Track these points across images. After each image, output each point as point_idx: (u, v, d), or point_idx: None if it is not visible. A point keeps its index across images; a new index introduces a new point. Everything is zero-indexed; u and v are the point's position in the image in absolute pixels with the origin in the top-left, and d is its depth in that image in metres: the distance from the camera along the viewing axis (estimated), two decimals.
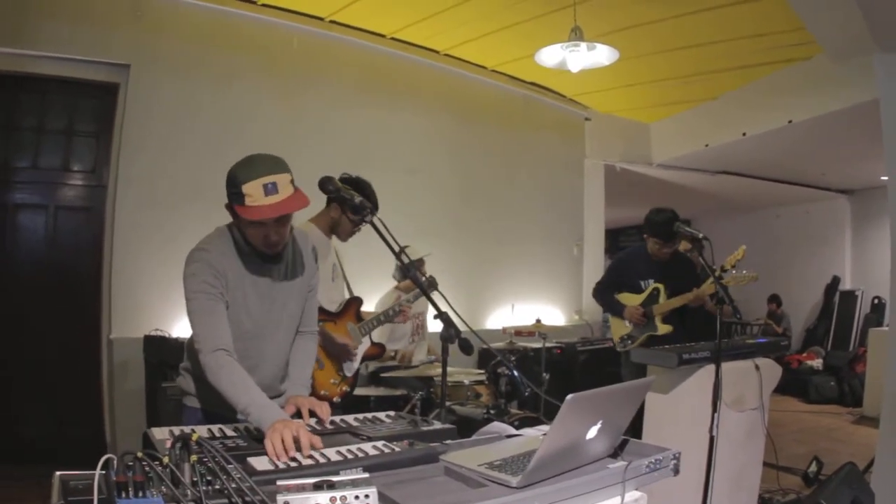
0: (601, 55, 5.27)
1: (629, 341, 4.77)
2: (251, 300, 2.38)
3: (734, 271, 4.00)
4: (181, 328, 5.11)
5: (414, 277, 2.34)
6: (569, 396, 1.52)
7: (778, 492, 4.66)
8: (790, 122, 7.25)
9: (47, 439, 4.99)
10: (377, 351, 3.96)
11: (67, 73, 5.05)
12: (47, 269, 5.21)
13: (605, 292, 4.99)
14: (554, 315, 8.06)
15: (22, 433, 4.97)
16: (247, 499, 1.29)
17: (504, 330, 6.56)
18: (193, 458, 1.40)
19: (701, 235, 3.69)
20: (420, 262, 5.08)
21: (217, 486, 1.35)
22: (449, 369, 4.56)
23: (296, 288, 2.53)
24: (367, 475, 1.44)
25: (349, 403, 3.94)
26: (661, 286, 4.64)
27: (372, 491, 1.34)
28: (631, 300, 4.78)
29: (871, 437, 6.42)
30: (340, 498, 1.30)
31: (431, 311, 5.36)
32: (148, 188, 5.24)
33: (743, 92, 7.75)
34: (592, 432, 1.70)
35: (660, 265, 4.72)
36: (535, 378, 4.75)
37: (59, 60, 4.98)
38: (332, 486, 1.34)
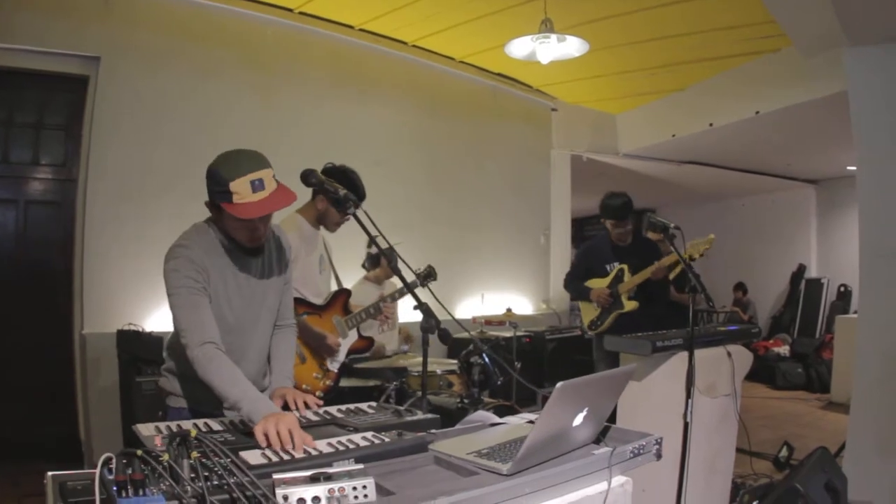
0: (571, 47, 5.31)
1: (599, 323, 4.88)
2: (233, 295, 2.39)
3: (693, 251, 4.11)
4: (154, 322, 5.07)
5: (395, 270, 2.35)
6: (559, 384, 1.55)
7: (750, 476, 4.76)
8: (757, 112, 7.37)
9: (19, 437, 4.90)
10: (365, 344, 3.93)
11: (37, 65, 4.96)
12: (17, 264, 5.13)
13: (574, 281, 5.12)
14: (522, 304, 8.12)
15: None
16: (247, 493, 1.29)
17: (474, 319, 6.60)
18: (195, 454, 1.40)
19: (672, 225, 3.71)
20: (388, 252, 5.06)
21: (216, 482, 1.35)
22: (421, 359, 4.58)
23: (274, 282, 2.55)
24: (361, 466, 1.45)
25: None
26: (625, 266, 4.77)
27: (369, 482, 1.36)
28: (598, 284, 4.91)
29: (840, 423, 6.57)
30: (339, 489, 1.32)
31: (403, 301, 5.35)
32: (119, 182, 5.17)
33: (710, 83, 7.84)
34: (579, 419, 1.73)
35: (624, 249, 4.87)
36: (506, 367, 4.77)
37: (28, 53, 4.89)
38: (328, 478, 1.35)
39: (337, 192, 2.33)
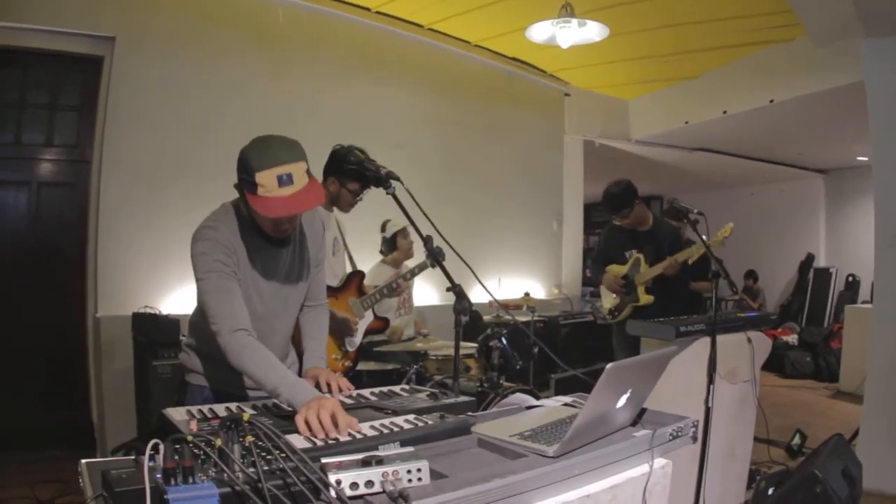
0: (592, 31, 5.29)
1: (616, 313, 4.81)
2: (261, 280, 2.32)
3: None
4: (171, 305, 5.05)
5: (432, 252, 2.31)
6: (609, 365, 1.54)
7: (765, 463, 4.76)
8: (771, 101, 7.34)
9: (30, 422, 4.91)
10: (381, 325, 3.92)
11: (51, 45, 4.91)
12: (30, 246, 5.11)
13: (596, 266, 5.05)
14: (535, 289, 8.10)
15: (4, 416, 4.83)
16: (301, 478, 1.27)
17: (491, 304, 6.58)
18: (249, 438, 1.36)
19: (695, 210, 3.67)
20: (404, 232, 5.06)
21: (266, 467, 1.31)
22: (439, 342, 4.58)
23: (304, 265, 2.47)
24: (412, 449, 1.43)
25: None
26: (641, 256, 4.66)
27: (423, 464, 1.34)
28: (616, 272, 4.81)
29: (849, 412, 6.59)
30: (392, 473, 1.29)
31: (417, 286, 5.33)
32: (134, 163, 5.14)
33: (725, 71, 7.81)
34: (622, 401, 1.72)
35: (641, 234, 4.74)
36: (526, 351, 4.75)
37: (42, 33, 4.84)
38: (380, 461, 1.32)
39: (378, 171, 2.28)
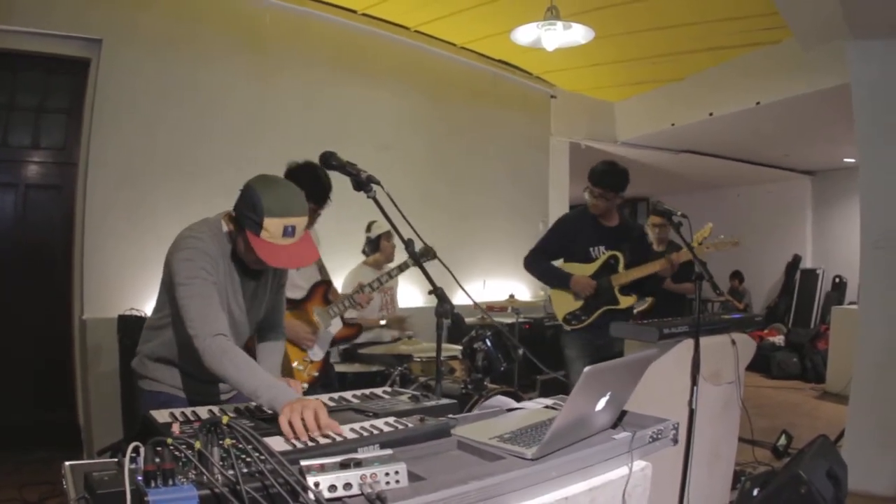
0: (577, 34, 5.30)
1: (583, 317, 4.25)
2: (235, 298, 2.40)
3: (711, 239, 4.07)
4: None
5: (413, 256, 2.34)
6: (587, 368, 1.56)
7: (751, 464, 4.79)
8: (758, 103, 7.39)
9: (18, 424, 4.87)
10: (352, 332, 3.92)
11: (38, 48, 4.90)
12: (16, 248, 5.10)
13: (542, 260, 4.43)
14: (520, 291, 8.12)
15: None
16: (280, 480, 1.28)
17: (475, 306, 6.60)
18: (228, 441, 1.37)
19: (679, 213, 3.60)
20: (388, 234, 5.06)
21: (245, 470, 1.32)
22: (424, 345, 4.59)
23: (273, 286, 2.59)
24: (390, 451, 1.44)
25: (329, 381, 3.95)
26: (619, 254, 4.23)
27: (401, 467, 1.35)
28: (580, 270, 4.27)
29: (835, 413, 6.62)
30: (370, 475, 1.31)
31: (400, 287, 5.34)
32: (121, 166, 5.13)
33: (711, 73, 7.86)
34: (601, 404, 1.74)
35: (610, 231, 4.30)
36: (510, 353, 4.71)
37: (29, 35, 4.83)
38: (359, 463, 1.34)
39: (360, 175, 2.30)
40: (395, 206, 2.25)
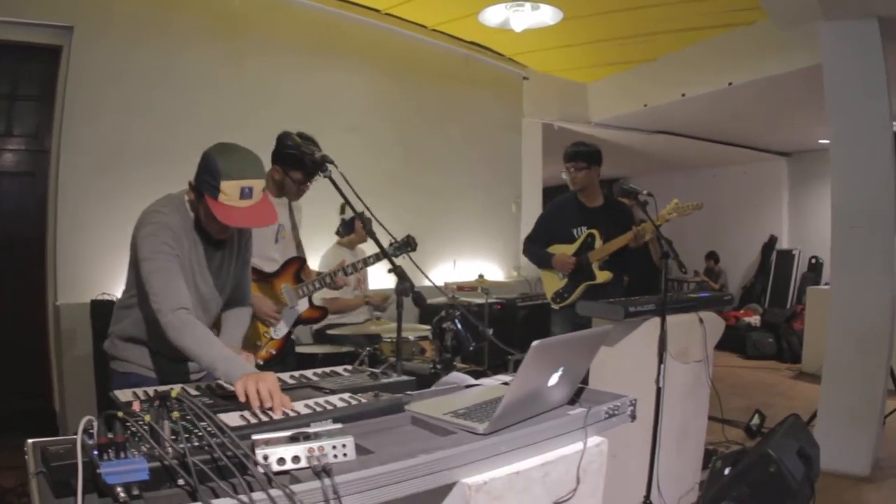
0: (545, 15, 5.32)
1: (565, 295, 4.50)
2: (200, 272, 2.43)
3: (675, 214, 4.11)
4: None
5: (370, 233, 2.35)
6: (535, 342, 1.58)
7: (723, 443, 4.85)
8: (730, 84, 7.38)
9: None
10: (318, 314, 3.87)
11: (9, 36, 4.84)
12: None
13: (535, 246, 4.70)
14: (493, 271, 8.17)
15: None
16: (228, 453, 1.30)
17: (446, 285, 6.62)
18: (176, 414, 1.40)
19: (644, 192, 3.64)
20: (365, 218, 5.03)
21: (196, 443, 1.35)
22: (393, 325, 4.59)
23: (238, 260, 2.62)
24: (340, 426, 1.46)
25: (298, 361, 3.94)
26: (595, 231, 4.43)
27: (349, 440, 1.38)
28: (563, 251, 4.52)
29: (811, 392, 6.67)
30: (318, 448, 1.34)
31: (369, 268, 5.33)
32: (93, 153, 5.10)
33: (683, 54, 7.83)
34: (554, 379, 1.76)
35: (593, 212, 4.51)
36: (479, 333, 4.74)
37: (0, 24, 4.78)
38: (308, 437, 1.37)
39: (314, 155, 2.32)
40: (349, 184, 2.26)
